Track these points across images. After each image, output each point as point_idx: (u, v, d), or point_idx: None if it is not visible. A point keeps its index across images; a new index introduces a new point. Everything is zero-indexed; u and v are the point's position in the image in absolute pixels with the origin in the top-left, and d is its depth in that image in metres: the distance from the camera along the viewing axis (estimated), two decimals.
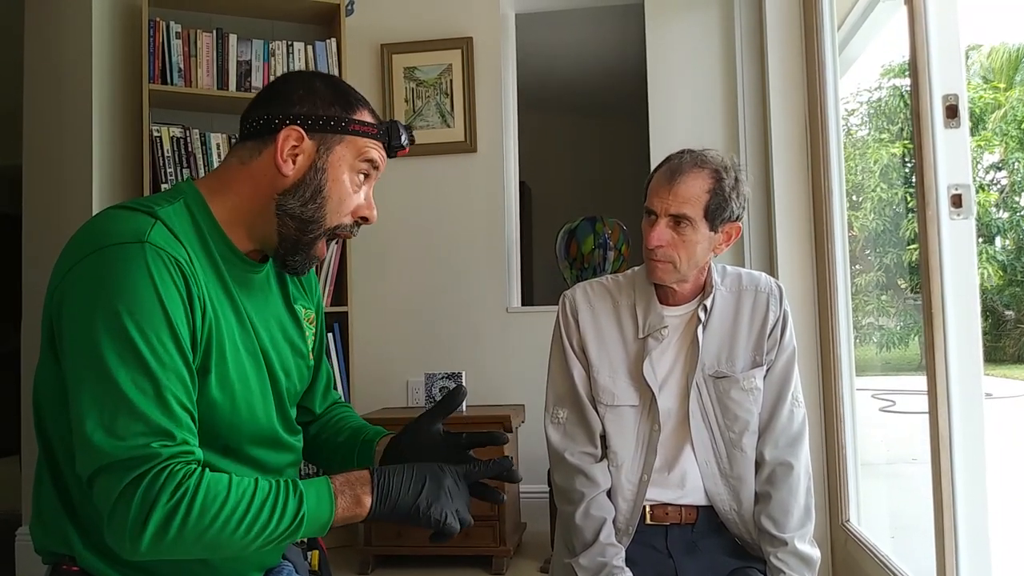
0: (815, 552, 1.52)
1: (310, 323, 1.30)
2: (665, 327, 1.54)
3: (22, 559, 2.83)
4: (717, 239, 1.51)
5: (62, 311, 1.00)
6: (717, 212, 1.48)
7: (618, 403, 1.54)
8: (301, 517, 1.00)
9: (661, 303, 1.56)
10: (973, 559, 1.69)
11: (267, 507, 0.98)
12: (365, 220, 1.17)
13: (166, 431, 0.95)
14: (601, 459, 1.55)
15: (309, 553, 1.35)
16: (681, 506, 1.54)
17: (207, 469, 0.98)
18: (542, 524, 2.84)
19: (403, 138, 1.17)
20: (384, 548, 2.77)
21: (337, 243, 3.08)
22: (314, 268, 1.31)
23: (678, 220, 1.47)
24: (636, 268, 1.63)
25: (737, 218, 1.52)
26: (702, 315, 1.54)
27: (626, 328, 1.57)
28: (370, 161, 1.14)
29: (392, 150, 1.17)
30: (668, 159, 1.53)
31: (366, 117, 1.14)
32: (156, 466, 0.94)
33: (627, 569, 1.47)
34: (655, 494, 1.54)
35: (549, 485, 2.68)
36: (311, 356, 1.29)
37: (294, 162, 1.10)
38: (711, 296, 1.55)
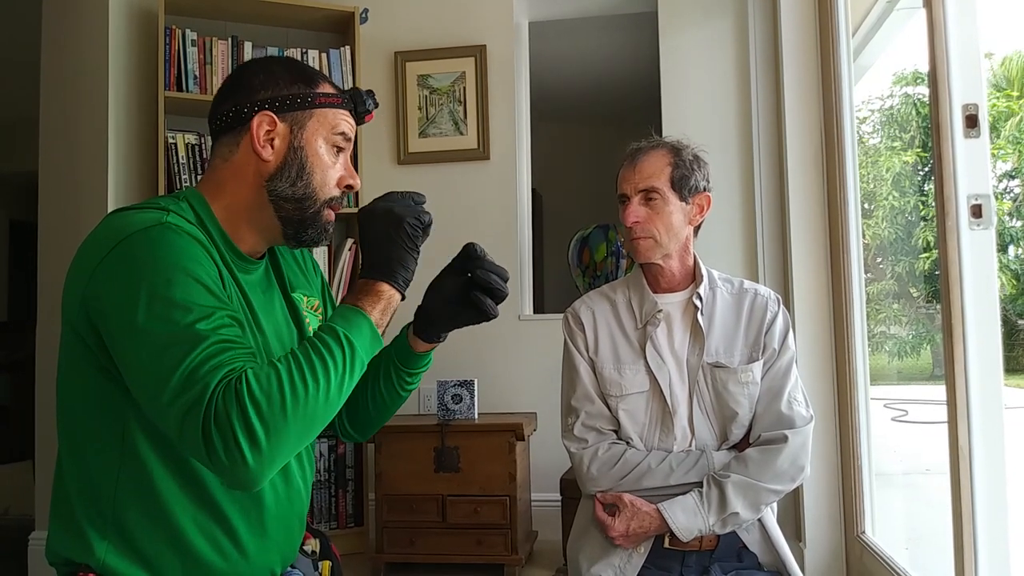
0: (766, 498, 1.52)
1: (314, 310, 1.32)
2: (660, 311, 1.62)
3: (35, 564, 2.84)
4: (690, 211, 1.62)
5: (102, 303, 1.01)
6: (683, 182, 1.59)
7: (626, 392, 1.60)
8: (344, 336, 1.01)
9: (653, 291, 1.65)
10: (993, 571, 1.68)
11: (313, 355, 0.99)
12: (350, 188, 1.21)
13: (211, 362, 0.95)
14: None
15: (320, 563, 1.34)
16: None
17: (251, 368, 0.97)
18: (554, 533, 2.82)
19: (368, 103, 1.21)
20: (396, 556, 2.77)
21: (351, 250, 3.08)
22: (314, 258, 1.37)
23: (649, 196, 1.59)
24: (629, 273, 1.74)
25: (705, 189, 1.63)
26: (698, 302, 1.60)
27: (626, 322, 1.65)
28: (342, 134, 1.18)
29: (359, 116, 1.21)
30: (627, 151, 1.66)
31: (328, 89, 1.18)
32: (214, 394, 0.93)
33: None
34: None
35: (561, 494, 2.68)
36: None
37: (272, 146, 1.14)
38: (703, 284, 1.62)
